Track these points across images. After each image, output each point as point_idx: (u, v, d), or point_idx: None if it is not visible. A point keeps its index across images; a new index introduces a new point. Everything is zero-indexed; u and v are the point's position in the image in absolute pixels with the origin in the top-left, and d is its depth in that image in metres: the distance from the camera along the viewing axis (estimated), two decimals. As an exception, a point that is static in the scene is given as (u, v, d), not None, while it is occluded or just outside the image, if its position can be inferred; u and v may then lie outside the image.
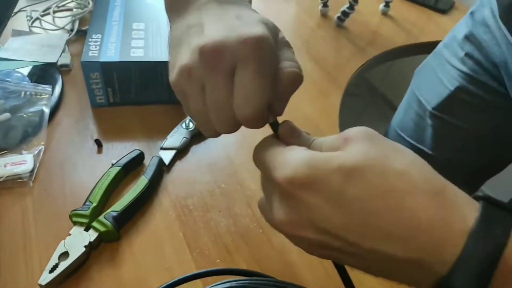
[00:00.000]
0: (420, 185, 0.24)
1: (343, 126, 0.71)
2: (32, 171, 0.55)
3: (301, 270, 0.48)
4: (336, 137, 0.28)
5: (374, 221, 0.24)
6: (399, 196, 0.23)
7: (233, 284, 0.41)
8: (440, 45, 0.74)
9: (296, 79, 0.31)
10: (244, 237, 0.51)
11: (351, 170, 0.24)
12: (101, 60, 0.62)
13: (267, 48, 0.29)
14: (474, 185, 0.81)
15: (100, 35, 0.66)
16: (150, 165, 0.56)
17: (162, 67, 0.64)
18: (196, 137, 0.62)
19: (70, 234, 0.48)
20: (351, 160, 0.25)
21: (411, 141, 0.77)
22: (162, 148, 0.60)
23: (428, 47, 0.97)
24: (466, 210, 0.23)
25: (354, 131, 0.27)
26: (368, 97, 1.73)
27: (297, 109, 0.73)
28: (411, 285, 0.26)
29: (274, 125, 0.32)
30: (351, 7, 0.93)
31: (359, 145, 0.26)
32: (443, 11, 1.09)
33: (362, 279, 0.45)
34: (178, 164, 0.59)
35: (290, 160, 0.26)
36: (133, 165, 0.57)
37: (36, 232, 0.49)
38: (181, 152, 0.60)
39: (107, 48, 0.64)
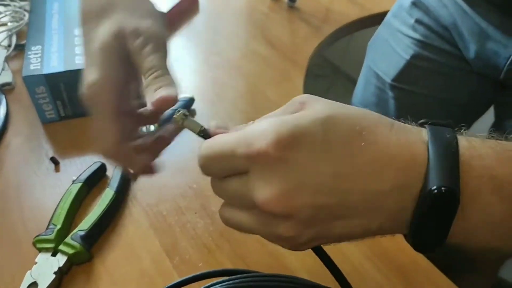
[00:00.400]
0: (379, 121, 0.27)
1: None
2: (-15, 201, 0.51)
3: (288, 259, 0.46)
4: (287, 105, 0.29)
5: (359, 160, 0.25)
6: (370, 131, 0.26)
7: (222, 286, 0.39)
8: (388, 15, 0.73)
9: (165, 100, 0.32)
10: (224, 234, 0.48)
11: (325, 119, 0.25)
12: (45, 72, 0.57)
13: (98, 95, 0.32)
14: None
15: (40, 46, 0.62)
16: (113, 175, 0.53)
17: (112, 71, 0.60)
18: (159, 139, 0.59)
19: (36, 263, 0.44)
20: (322, 112, 0.26)
21: None
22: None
23: (382, 18, 0.97)
24: (417, 131, 0.27)
25: (303, 97, 0.28)
26: (332, 77, 1.73)
27: (261, 95, 0.70)
28: (393, 228, 0.27)
29: (205, 134, 0.30)
30: (300, -14, 0.92)
31: (319, 103, 0.27)
32: (391, -19, 1.09)
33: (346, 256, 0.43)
34: (145, 170, 0.56)
35: (265, 128, 0.25)
36: (96, 179, 0.53)
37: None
38: (145, 157, 0.57)
39: (49, 58, 0.59)
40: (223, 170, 0.28)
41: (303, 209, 0.25)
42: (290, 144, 0.24)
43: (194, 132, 0.31)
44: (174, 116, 0.30)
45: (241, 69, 0.76)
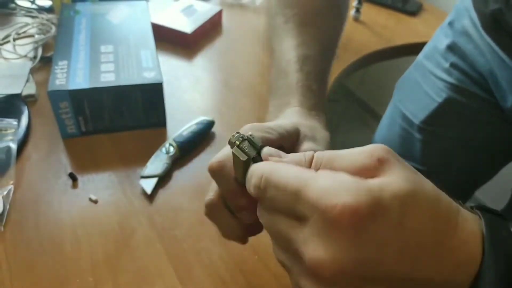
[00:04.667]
0: (450, 208, 0.25)
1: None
2: (2, 214, 0.51)
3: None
4: (363, 156, 0.25)
5: (424, 250, 0.24)
6: (442, 222, 0.24)
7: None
8: (420, 57, 0.72)
9: None
10: (239, 265, 0.48)
11: (405, 199, 0.23)
12: (70, 88, 0.58)
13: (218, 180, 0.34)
14: (467, 193, 0.80)
15: (66, 62, 0.62)
16: (131, 196, 0.52)
17: (136, 90, 0.61)
18: (177, 162, 0.59)
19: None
20: (403, 186, 0.23)
21: None
22: (142, 177, 0.56)
23: (402, 50, 0.98)
24: (474, 222, 0.26)
25: (382, 151, 0.25)
26: (345, 102, 1.73)
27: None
28: None
29: (256, 162, 0.29)
30: (323, 15, 0.92)
31: (397, 168, 0.24)
32: (412, 13, 1.10)
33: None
34: (161, 192, 0.55)
35: (345, 188, 0.23)
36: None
37: (11, 282, 0.45)
38: (163, 179, 0.57)
39: (75, 74, 0.60)
40: (277, 203, 0.26)
41: (351, 281, 0.24)
42: (365, 217, 0.22)
43: (243, 157, 0.29)
44: (231, 137, 0.30)
45: (261, 93, 0.77)
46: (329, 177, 0.24)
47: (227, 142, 0.30)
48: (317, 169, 0.26)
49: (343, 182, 0.23)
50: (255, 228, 0.35)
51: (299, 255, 0.24)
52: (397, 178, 0.24)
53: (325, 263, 0.23)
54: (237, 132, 0.30)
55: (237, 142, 0.29)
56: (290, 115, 0.40)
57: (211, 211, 0.36)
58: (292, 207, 0.25)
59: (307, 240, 0.24)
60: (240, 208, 0.33)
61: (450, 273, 0.24)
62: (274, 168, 0.26)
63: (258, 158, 0.29)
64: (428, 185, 0.25)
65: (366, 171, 0.24)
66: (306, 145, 0.35)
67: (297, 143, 0.35)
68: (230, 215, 0.35)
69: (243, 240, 0.37)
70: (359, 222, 0.22)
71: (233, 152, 0.29)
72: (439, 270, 0.24)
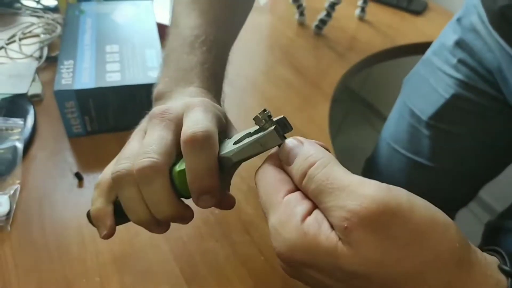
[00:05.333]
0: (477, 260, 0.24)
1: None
2: (8, 213, 0.51)
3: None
4: (340, 213, 0.23)
5: None
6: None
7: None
8: (428, 53, 0.72)
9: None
10: (246, 265, 0.48)
11: (352, 275, 0.24)
12: (76, 88, 0.58)
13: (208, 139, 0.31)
14: (473, 190, 0.80)
15: (72, 61, 0.62)
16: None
17: (141, 90, 0.60)
18: (183, 161, 0.59)
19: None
20: (352, 267, 0.23)
21: (407, 153, 0.75)
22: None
23: (407, 50, 0.97)
24: (495, 276, 0.24)
25: (360, 219, 0.23)
26: (350, 102, 1.73)
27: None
28: None
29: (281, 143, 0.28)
30: (329, 15, 0.92)
31: (363, 246, 0.23)
32: (417, 12, 1.09)
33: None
34: (167, 192, 0.55)
35: (285, 236, 0.25)
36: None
37: (18, 282, 0.45)
38: (169, 178, 0.57)
39: (80, 74, 0.60)
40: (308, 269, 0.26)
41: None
42: (298, 266, 0.25)
43: (275, 142, 0.28)
44: (259, 115, 0.28)
45: (265, 93, 0.76)
46: (283, 218, 0.25)
47: (252, 118, 0.29)
48: (305, 191, 0.26)
49: (289, 232, 0.25)
50: (186, 216, 0.33)
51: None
52: (351, 258, 0.23)
53: (372, 261, 0.23)
54: (265, 110, 0.28)
55: (268, 124, 0.28)
56: (201, 96, 0.37)
57: (147, 175, 0.30)
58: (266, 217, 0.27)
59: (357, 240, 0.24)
60: (207, 190, 0.30)
61: None
62: (263, 177, 0.28)
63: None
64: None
65: (336, 227, 0.24)
66: (233, 131, 0.36)
67: (227, 128, 0.36)
68: (170, 186, 0.30)
69: (164, 229, 0.34)
70: (290, 266, 0.25)
71: (271, 130, 0.28)
72: None
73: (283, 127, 0.29)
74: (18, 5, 0.89)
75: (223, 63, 0.44)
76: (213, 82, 0.41)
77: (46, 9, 0.88)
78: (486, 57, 0.60)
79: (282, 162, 0.28)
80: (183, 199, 0.33)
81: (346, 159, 0.76)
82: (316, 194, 0.25)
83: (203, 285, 0.46)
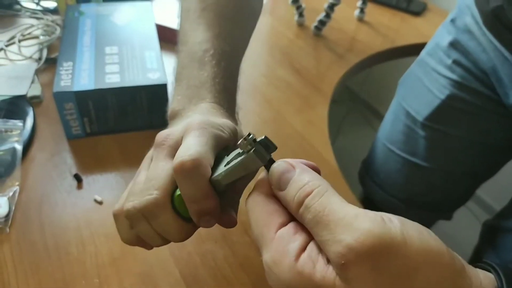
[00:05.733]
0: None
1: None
2: (7, 215, 0.51)
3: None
4: (337, 247, 0.23)
5: None
6: None
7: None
8: (422, 54, 0.72)
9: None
10: (245, 266, 0.48)
11: None
12: (75, 89, 0.58)
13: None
14: (470, 190, 0.80)
15: (71, 63, 0.62)
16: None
17: (140, 91, 0.61)
18: (182, 163, 0.59)
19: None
20: None
21: (403, 154, 0.75)
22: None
23: (406, 50, 0.98)
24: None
25: (356, 248, 0.22)
26: (350, 103, 1.73)
27: (284, 122, 0.70)
28: None
29: (269, 164, 0.28)
30: (328, 16, 0.92)
31: (361, 282, 0.22)
32: (416, 13, 1.09)
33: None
34: (166, 193, 0.55)
35: (280, 271, 0.24)
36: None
37: (17, 283, 0.45)
38: (168, 180, 0.57)
39: (80, 76, 0.60)
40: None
41: None
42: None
43: (257, 164, 0.28)
44: (244, 140, 0.28)
45: (265, 94, 0.77)
46: (276, 257, 0.25)
47: (237, 144, 0.29)
48: (301, 220, 0.25)
49: (283, 272, 0.24)
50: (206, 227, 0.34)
51: None
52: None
53: None
54: (250, 134, 0.28)
55: (251, 145, 0.28)
56: (215, 114, 0.38)
57: (152, 212, 0.31)
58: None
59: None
60: (206, 212, 0.31)
61: None
62: (254, 209, 0.28)
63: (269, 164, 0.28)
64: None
65: (332, 263, 0.23)
66: None
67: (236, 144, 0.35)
68: (176, 216, 0.32)
69: (172, 240, 0.34)
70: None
71: (253, 152, 0.28)
72: None
73: (266, 148, 0.28)
74: (18, 6, 0.89)
75: (234, 75, 0.44)
76: (225, 96, 0.41)
77: (46, 10, 0.89)
78: (481, 57, 0.60)
79: (273, 187, 0.27)
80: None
81: (345, 159, 0.76)
82: (312, 226, 0.24)
83: (202, 286, 0.46)
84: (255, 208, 0.28)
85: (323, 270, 0.23)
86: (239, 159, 0.29)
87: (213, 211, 0.31)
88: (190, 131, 0.33)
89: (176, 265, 0.47)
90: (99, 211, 0.53)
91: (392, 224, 0.23)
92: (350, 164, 0.91)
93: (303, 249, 0.25)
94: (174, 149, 0.33)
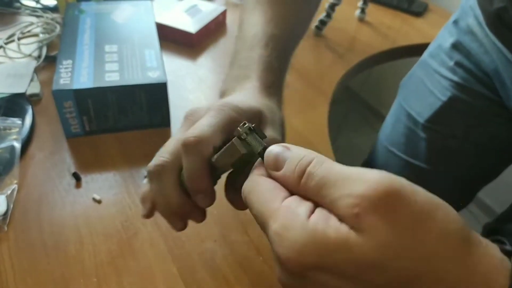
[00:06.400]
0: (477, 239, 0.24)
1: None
2: (5, 213, 0.50)
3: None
4: (349, 204, 0.23)
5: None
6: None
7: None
8: (424, 55, 0.72)
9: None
10: (243, 266, 0.47)
11: (366, 267, 0.22)
12: (74, 87, 0.58)
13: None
14: (471, 193, 0.80)
15: (71, 61, 0.62)
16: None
17: (140, 90, 0.60)
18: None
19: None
20: (367, 257, 0.22)
21: (404, 156, 0.74)
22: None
23: (407, 51, 0.97)
24: (503, 262, 0.24)
25: (370, 204, 0.22)
26: (350, 103, 1.73)
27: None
28: None
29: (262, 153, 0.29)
30: (328, 15, 0.92)
31: (376, 231, 0.22)
32: (417, 14, 1.09)
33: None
34: (165, 193, 0.55)
35: (293, 235, 0.23)
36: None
37: (15, 282, 0.45)
38: (167, 179, 0.56)
39: (79, 74, 0.60)
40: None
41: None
42: (309, 271, 0.24)
43: (251, 152, 0.29)
44: (239, 128, 0.29)
45: (265, 94, 0.76)
46: (286, 221, 0.24)
47: (237, 133, 0.30)
48: (304, 190, 0.25)
49: (296, 234, 0.23)
50: (196, 214, 0.36)
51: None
52: (366, 242, 0.22)
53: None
54: (245, 123, 0.29)
55: (245, 134, 0.29)
56: (251, 92, 0.40)
57: (160, 173, 0.34)
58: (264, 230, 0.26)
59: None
60: (199, 190, 0.33)
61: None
62: (253, 190, 0.27)
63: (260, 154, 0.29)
64: (421, 248, 0.23)
65: (344, 218, 0.23)
66: (267, 132, 0.36)
67: (260, 126, 0.37)
68: (178, 185, 0.34)
69: (180, 224, 0.37)
70: (302, 270, 0.24)
71: (246, 141, 0.29)
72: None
73: (255, 136, 0.29)
74: (18, 4, 0.89)
75: (280, 56, 0.45)
76: (268, 74, 0.42)
77: (46, 8, 0.88)
78: (483, 59, 0.60)
79: (269, 169, 0.27)
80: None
81: (345, 159, 0.76)
82: (318, 190, 0.24)
83: (201, 285, 0.45)
84: (255, 188, 0.27)
85: (336, 225, 0.23)
86: (229, 143, 0.30)
87: (205, 190, 0.33)
88: (209, 111, 0.34)
89: (174, 264, 0.47)
90: (97, 210, 0.52)
91: (399, 177, 0.23)
92: (350, 164, 0.90)
93: (312, 211, 0.24)
94: (194, 124, 0.35)
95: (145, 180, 0.38)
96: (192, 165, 0.32)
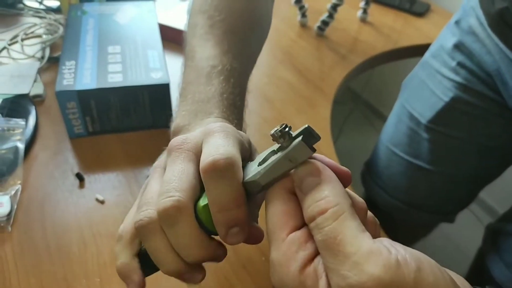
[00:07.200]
0: None
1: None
2: (9, 214, 0.51)
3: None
4: (350, 281, 0.22)
5: None
6: None
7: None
8: (426, 56, 0.72)
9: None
10: (246, 266, 0.48)
11: None
12: (77, 88, 0.58)
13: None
14: (473, 193, 0.80)
15: (74, 62, 0.62)
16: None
17: (143, 91, 0.61)
18: (184, 162, 0.59)
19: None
20: None
21: (406, 156, 0.75)
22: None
23: (409, 51, 0.97)
24: None
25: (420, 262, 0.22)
26: (351, 104, 1.73)
27: (286, 122, 0.70)
28: None
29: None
30: (330, 16, 0.92)
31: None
32: (419, 14, 1.09)
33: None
34: (168, 193, 0.55)
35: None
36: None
37: (18, 282, 0.45)
38: (170, 179, 0.56)
39: (82, 75, 0.60)
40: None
41: None
42: None
43: (305, 151, 0.25)
44: (278, 131, 0.25)
45: (267, 94, 0.76)
46: (283, 261, 0.24)
47: (270, 135, 0.25)
48: (312, 233, 0.24)
49: (286, 277, 0.24)
50: (219, 253, 0.30)
51: None
52: None
53: None
54: (283, 124, 0.25)
55: (289, 136, 0.25)
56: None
57: (173, 217, 0.27)
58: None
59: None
60: (235, 222, 0.27)
61: None
62: (272, 203, 0.26)
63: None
64: None
65: None
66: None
67: (251, 155, 0.33)
68: (198, 227, 0.28)
69: (202, 274, 0.31)
70: None
71: (297, 143, 0.25)
72: None
73: (310, 138, 0.25)
74: (21, 5, 0.89)
75: (242, 92, 0.42)
76: (233, 112, 0.39)
77: (49, 9, 0.89)
78: (485, 59, 0.60)
79: (295, 185, 0.25)
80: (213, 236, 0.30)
81: (347, 160, 0.76)
82: (321, 247, 0.23)
83: (203, 286, 0.45)
84: (274, 202, 0.26)
85: None
86: (283, 152, 0.25)
87: (242, 221, 0.27)
88: (214, 133, 0.29)
89: (177, 265, 0.47)
90: (100, 210, 0.53)
91: (407, 270, 0.21)
92: (352, 164, 0.90)
93: (311, 260, 0.24)
94: (194, 153, 0.30)
95: (118, 247, 0.32)
96: (226, 193, 0.26)
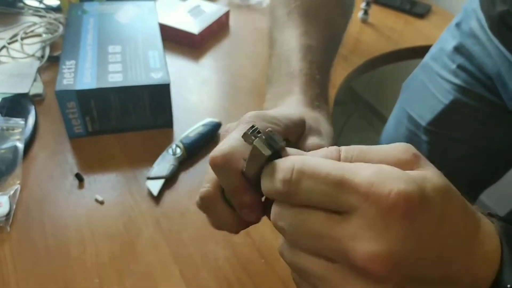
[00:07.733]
0: (471, 207, 0.26)
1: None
2: (8, 214, 0.50)
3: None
4: (398, 151, 0.25)
5: (460, 252, 0.24)
6: (470, 222, 0.25)
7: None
8: (426, 58, 0.72)
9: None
10: (246, 268, 0.47)
11: (444, 192, 0.24)
12: (77, 88, 0.58)
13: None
14: (472, 196, 0.79)
15: (74, 61, 0.62)
16: (138, 197, 0.52)
17: (143, 91, 0.60)
18: (184, 164, 0.59)
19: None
20: (441, 182, 0.24)
21: None
22: (149, 178, 0.56)
23: (410, 52, 0.97)
24: (492, 224, 0.26)
25: (414, 148, 0.25)
26: (352, 104, 1.73)
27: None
28: None
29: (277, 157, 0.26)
30: (331, 17, 0.92)
31: (430, 165, 0.25)
32: (420, 15, 1.09)
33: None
34: (168, 194, 0.55)
35: (394, 176, 0.21)
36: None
37: (17, 283, 0.45)
38: (169, 180, 0.56)
39: (82, 74, 0.60)
40: (314, 196, 0.23)
41: (402, 278, 0.22)
42: (417, 206, 0.21)
43: (266, 152, 0.26)
44: (254, 131, 0.27)
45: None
46: (373, 166, 0.22)
47: (241, 135, 0.27)
48: (349, 162, 0.24)
49: (390, 171, 0.22)
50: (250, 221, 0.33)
51: (344, 254, 0.22)
52: (433, 173, 0.24)
53: (383, 257, 0.21)
54: (253, 126, 0.27)
55: (254, 137, 0.26)
56: (293, 104, 0.38)
57: (207, 203, 0.33)
58: (335, 198, 0.22)
59: (356, 233, 0.21)
60: (243, 205, 0.31)
61: (479, 269, 0.24)
62: (307, 159, 0.24)
63: (277, 155, 0.26)
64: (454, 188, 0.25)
65: (402, 165, 0.24)
66: (311, 139, 0.34)
67: (302, 136, 0.34)
68: (227, 208, 0.32)
69: (236, 231, 0.35)
70: (412, 211, 0.21)
71: (254, 145, 0.26)
72: (470, 267, 0.24)
73: (271, 141, 0.26)
74: (21, 4, 0.89)
75: (321, 67, 0.43)
76: (312, 86, 0.40)
77: (49, 8, 0.88)
78: (486, 62, 0.60)
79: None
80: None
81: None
82: (359, 157, 0.25)
83: (203, 286, 0.45)
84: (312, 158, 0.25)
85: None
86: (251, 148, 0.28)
87: (249, 205, 0.30)
88: (239, 125, 0.33)
89: (177, 266, 0.47)
90: (100, 210, 0.52)
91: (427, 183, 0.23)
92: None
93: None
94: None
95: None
96: (226, 182, 0.30)
